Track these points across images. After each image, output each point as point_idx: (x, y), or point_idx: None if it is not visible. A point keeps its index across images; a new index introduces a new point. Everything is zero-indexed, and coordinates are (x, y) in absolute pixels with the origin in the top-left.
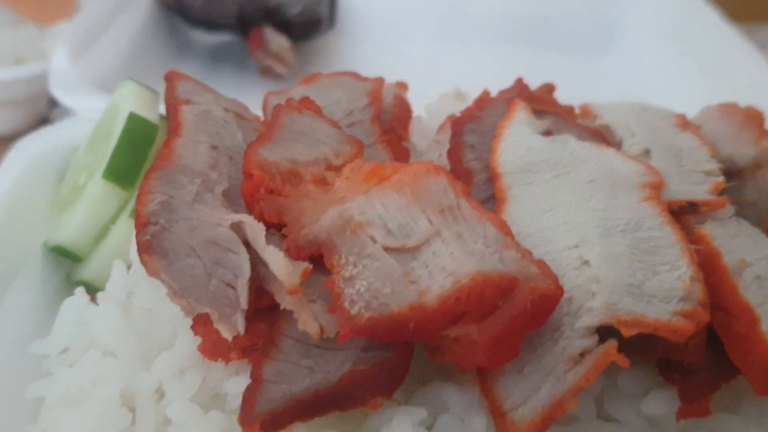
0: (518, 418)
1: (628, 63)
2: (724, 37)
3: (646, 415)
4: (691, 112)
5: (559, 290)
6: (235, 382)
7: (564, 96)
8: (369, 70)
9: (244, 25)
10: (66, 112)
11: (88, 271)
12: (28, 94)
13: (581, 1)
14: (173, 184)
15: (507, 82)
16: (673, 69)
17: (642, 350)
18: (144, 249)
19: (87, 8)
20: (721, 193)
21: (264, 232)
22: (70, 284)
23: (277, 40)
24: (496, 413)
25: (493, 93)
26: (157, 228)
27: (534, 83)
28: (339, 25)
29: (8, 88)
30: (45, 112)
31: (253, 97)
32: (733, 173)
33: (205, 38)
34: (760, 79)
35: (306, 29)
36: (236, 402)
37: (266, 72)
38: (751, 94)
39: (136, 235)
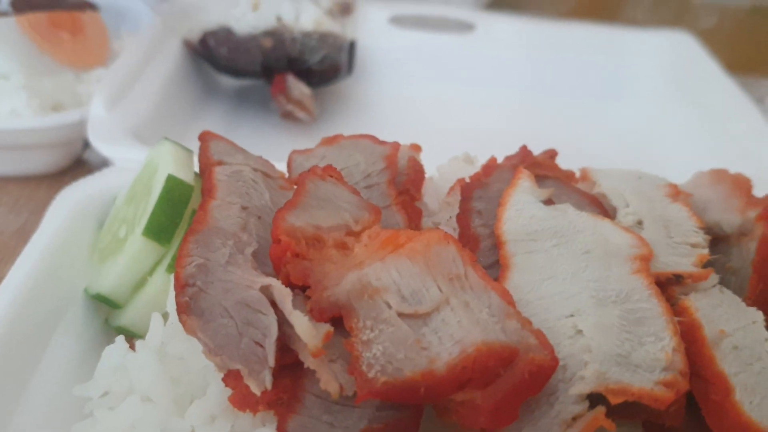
0: None
1: (634, 113)
2: (724, 90)
3: None
4: (691, 161)
5: (555, 361)
6: None
7: (573, 146)
8: (383, 113)
9: (268, 72)
10: (98, 153)
11: (126, 318)
12: (66, 139)
13: (590, 53)
14: (209, 246)
15: (518, 130)
16: (676, 120)
17: (627, 414)
18: (183, 309)
19: (122, 56)
20: (709, 259)
21: (290, 297)
22: (108, 328)
23: (299, 88)
24: None
25: (504, 140)
26: (194, 290)
27: (543, 133)
28: (356, 71)
29: (47, 134)
30: (80, 151)
31: (275, 139)
32: (721, 239)
33: (231, 81)
34: (756, 130)
35: (326, 76)
36: None
37: (288, 116)
38: (747, 145)
39: (176, 296)
